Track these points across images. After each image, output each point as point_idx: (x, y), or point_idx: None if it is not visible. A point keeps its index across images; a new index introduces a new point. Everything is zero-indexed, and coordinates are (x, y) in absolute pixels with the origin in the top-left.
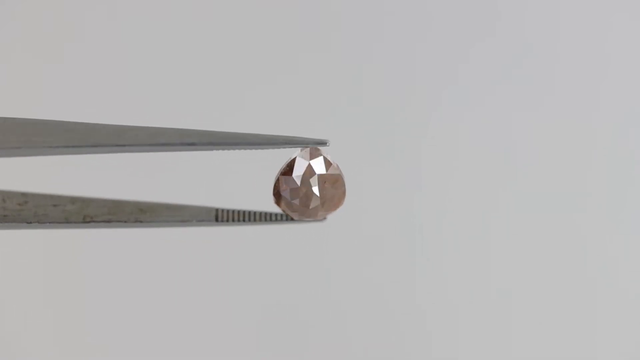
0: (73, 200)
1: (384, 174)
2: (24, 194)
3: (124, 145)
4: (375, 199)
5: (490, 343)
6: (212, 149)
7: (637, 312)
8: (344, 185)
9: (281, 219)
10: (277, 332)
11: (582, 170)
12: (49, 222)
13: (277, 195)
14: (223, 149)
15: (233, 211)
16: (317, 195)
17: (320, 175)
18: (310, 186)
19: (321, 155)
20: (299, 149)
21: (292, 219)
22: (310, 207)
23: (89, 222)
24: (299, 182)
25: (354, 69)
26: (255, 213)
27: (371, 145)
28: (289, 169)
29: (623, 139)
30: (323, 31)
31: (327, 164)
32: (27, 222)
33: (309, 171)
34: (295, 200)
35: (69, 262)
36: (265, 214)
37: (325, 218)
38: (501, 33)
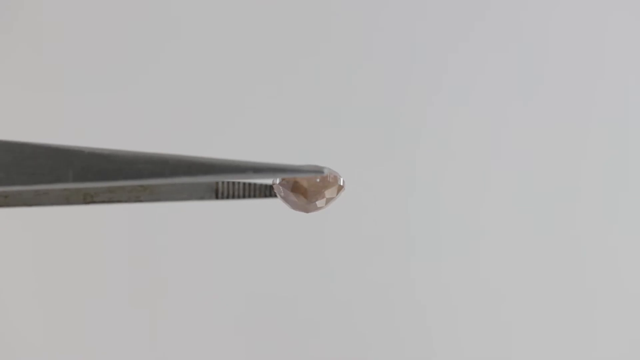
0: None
1: (381, 174)
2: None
3: (122, 180)
4: (372, 198)
5: (487, 339)
6: (207, 179)
7: (634, 312)
8: (342, 189)
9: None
10: (275, 328)
11: (578, 171)
12: (50, 204)
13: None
14: (218, 179)
15: (234, 184)
16: (315, 206)
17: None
18: (308, 203)
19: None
20: None
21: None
22: (309, 213)
23: (89, 202)
24: (297, 198)
25: (348, 69)
26: (256, 186)
27: (368, 145)
28: (286, 182)
29: (617, 138)
30: (318, 32)
31: (326, 181)
32: (28, 205)
33: (306, 193)
34: (295, 208)
35: (60, 251)
36: (266, 186)
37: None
38: (499, 33)
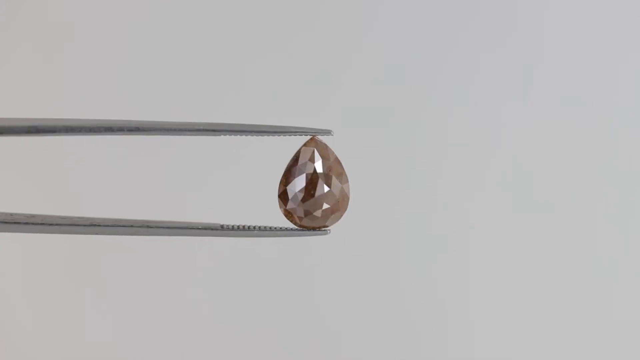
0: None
1: (374, 176)
2: (32, 215)
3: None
4: (365, 201)
5: (479, 344)
6: (225, 135)
7: (628, 313)
8: (347, 180)
9: (285, 230)
10: (269, 327)
11: (577, 172)
12: (57, 225)
13: (283, 194)
14: (235, 135)
15: (237, 226)
16: (322, 182)
17: (325, 166)
18: (316, 171)
19: (326, 149)
20: (303, 142)
21: (295, 229)
22: (316, 196)
23: (97, 225)
24: (304, 170)
25: (345, 66)
26: (259, 226)
27: (364, 144)
28: (294, 160)
29: (617, 139)
30: (316, 23)
31: (332, 156)
32: (36, 228)
33: (313, 160)
34: (300, 192)
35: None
36: (270, 227)
37: (328, 229)
38: (498, 32)
